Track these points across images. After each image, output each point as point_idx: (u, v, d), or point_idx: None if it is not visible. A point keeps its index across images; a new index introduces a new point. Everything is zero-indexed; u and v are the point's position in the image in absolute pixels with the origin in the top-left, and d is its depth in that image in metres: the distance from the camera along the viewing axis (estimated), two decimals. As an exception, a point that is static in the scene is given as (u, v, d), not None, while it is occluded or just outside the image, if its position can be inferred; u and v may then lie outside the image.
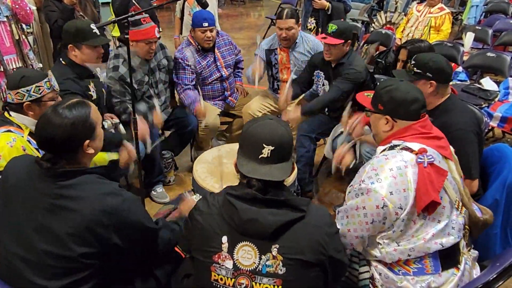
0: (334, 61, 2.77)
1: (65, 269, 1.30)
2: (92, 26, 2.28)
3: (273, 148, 1.28)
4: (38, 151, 1.75)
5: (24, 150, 1.71)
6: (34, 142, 1.78)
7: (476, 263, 1.63)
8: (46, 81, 1.79)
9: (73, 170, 1.35)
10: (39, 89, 1.76)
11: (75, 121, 1.34)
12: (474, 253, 1.63)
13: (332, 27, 2.62)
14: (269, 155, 1.28)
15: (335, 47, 2.66)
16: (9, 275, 1.35)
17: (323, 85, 2.94)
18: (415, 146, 1.52)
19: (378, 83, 1.77)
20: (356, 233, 1.52)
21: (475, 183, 1.91)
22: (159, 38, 2.90)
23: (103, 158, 2.09)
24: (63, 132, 1.32)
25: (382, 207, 1.43)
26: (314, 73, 2.99)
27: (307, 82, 3.06)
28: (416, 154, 1.48)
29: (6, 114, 1.82)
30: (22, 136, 1.75)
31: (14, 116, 1.80)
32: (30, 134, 1.79)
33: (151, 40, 2.78)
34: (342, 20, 2.78)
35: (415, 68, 1.99)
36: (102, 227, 1.30)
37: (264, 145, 1.28)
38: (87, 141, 1.38)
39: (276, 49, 3.20)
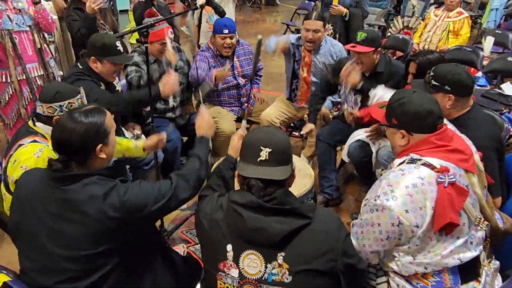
0: (367, 71, 2.70)
1: (83, 271, 1.33)
2: (118, 43, 2.35)
3: (270, 150, 1.30)
4: None
5: None
6: None
7: (498, 274, 1.59)
8: (78, 98, 1.84)
9: (76, 174, 1.38)
10: (71, 105, 1.81)
11: (89, 126, 1.40)
12: (495, 264, 1.59)
13: (361, 35, 2.57)
14: (267, 158, 1.30)
15: (365, 55, 2.59)
16: (29, 285, 1.38)
17: (355, 94, 2.79)
18: (435, 162, 1.46)
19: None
20: (371, 248, 1.49)
21: (498, 200, 1.85)
22: (174, 40, 2.95)
23: (127, 146, 2.13)
24: (77, 136, 1.37)
25: (398, 225, 1.39)
26: (342, 85, 2.84)
27: (329, 88, 2.99)
28: (437, 172, 1.43)
29: (30, 123, 1.86)
30: (47, 145, 1.78)
31: (40, 126, 1.84)
32: None
33: (164, 41, 2.83)
34: (371, 28, 2.76)
35: (433, 81, 1.91)
36: (114, 223, 1.33)
37: (262, 148, 1.30)
38: (100, 145, 1.42)
39: (302, 45, 3.19)
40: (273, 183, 1.29)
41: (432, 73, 1.94)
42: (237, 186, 1.42)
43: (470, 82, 1.90)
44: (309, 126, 2.93)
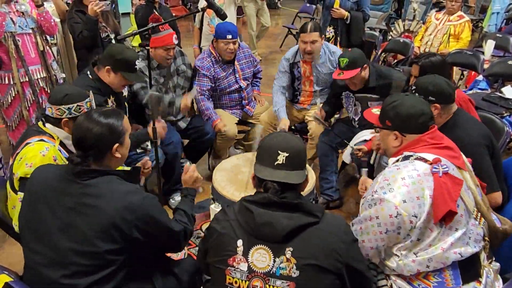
0: (359, 87, 2.78)
1: (89, 266, 1.36)
2: (137, 62, 2.38)
3: (287, 154, 1.34)
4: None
5: (55, 160, 1.77)
6: (65, 151, 1.85)
7: (499, 276, 1.60)
8: (87, 101, 1.88)
9: (96, 169, 1.44)
10: (80, 108, 1.84)
11: (108, 126, 1.48)
12: (496, 265, 1.60)
13: (343, 61, 2.63)
14: (284, 162, 1.34)
15: (354, 77, 2.67)
16: (34, 280, 1.40)
17: (355, 105, 2.91)
18: (429, 156, 1.52)
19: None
20: (371, 244, 1.51)
21: (498, 195, 1.88)
22: (177, 44, 2.97)
23: None
24: (96, 133, 1.45)
25: (396, 216, 1.43)
26: (343, 94, 2.97)
27: (337, 105, 3.09)
28: (431, 164, 1.48)
29: (40, 124, 1.89)
30: (54, 145, 1.81)
31: (49, 127, 1.87)
32: (61, 144, 1.86)
33: (169, 47, 2.87)
34: (350, 49, 2.83)
35: (417, 94, 1.95)
36: (124, 223, 1.37)
37: (279, 152, 1.35)
38: (116, 145, 1.50)
39: (299, 61, 3.17)
40: (288, 186, 1.33)
41: (414, 87, 2.00)
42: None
43: (451, 90, 1.98)
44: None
